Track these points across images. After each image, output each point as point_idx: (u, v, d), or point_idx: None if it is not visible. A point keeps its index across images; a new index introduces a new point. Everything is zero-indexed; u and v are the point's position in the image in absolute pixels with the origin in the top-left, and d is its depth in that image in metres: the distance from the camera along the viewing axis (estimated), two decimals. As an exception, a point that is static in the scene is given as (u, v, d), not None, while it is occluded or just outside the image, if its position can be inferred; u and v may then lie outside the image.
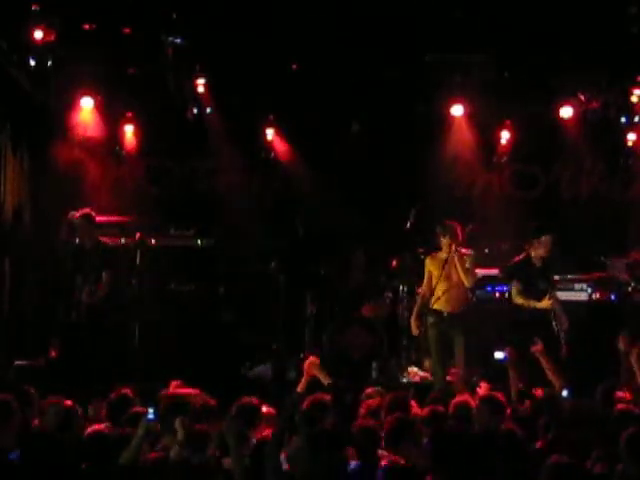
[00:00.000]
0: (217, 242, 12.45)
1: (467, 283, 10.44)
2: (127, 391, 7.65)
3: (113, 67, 12.03)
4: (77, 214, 10.97)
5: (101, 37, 11.45)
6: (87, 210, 10.93)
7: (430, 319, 10.50)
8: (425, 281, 10.65)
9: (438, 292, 10.39)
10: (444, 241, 10.42)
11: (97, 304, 10.65)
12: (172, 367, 10.15)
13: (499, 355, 8.91)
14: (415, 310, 10.70)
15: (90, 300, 10.63)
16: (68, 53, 11.50)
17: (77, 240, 11.01)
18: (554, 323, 10.24)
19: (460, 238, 10.46)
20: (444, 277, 10.41)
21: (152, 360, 10.88)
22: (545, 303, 10.31)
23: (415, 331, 10.69)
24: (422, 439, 6.69)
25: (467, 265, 10.40)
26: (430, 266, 10.59)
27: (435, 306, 10.47)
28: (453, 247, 10.33)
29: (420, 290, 10.89)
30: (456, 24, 11.47)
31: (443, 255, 10.47)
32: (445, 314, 10.46)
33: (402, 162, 13.48)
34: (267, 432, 6.75)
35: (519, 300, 10.48)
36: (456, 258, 10.37)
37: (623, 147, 13.73)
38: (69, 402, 7.29)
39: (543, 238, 10.60)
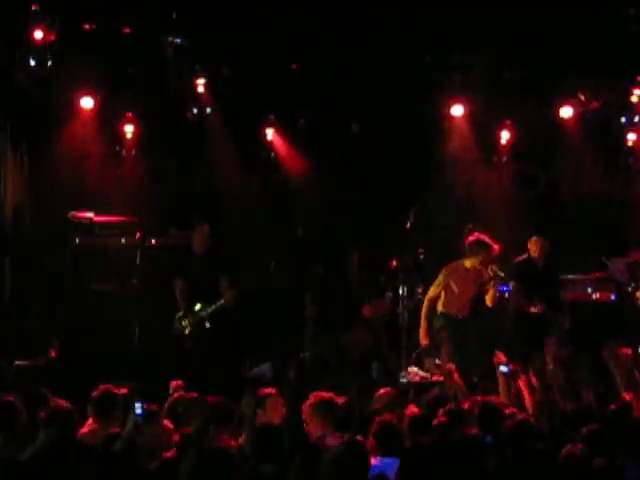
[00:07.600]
0: (217, 242, 12.44)
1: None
2: (109, 387, 7.47)
3: (113, 67, 12.01)
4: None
5: (101, 37, 11.45)
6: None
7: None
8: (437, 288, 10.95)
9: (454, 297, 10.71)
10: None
11: None
12: (172, 367, 10.15)
13: (503, 369, 8.97)
14: (423, 318, 10.90)
15: None
16: (68, 53, 11.49)
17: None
18: (549, 325, 10.28)
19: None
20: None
21: (152, 360, 10.87)
22: (534, 307, 10.36)
23: (425, 341, 10.93)
24: None
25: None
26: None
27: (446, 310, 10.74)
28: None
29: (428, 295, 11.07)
30: (456, 24, 11.47)
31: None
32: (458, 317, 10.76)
33: (402, 162, 13.47)
34: None
35: (513, 301, 10.53)
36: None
37: (623, 147, 13.72)
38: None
39: (533, 239, 10.66)
